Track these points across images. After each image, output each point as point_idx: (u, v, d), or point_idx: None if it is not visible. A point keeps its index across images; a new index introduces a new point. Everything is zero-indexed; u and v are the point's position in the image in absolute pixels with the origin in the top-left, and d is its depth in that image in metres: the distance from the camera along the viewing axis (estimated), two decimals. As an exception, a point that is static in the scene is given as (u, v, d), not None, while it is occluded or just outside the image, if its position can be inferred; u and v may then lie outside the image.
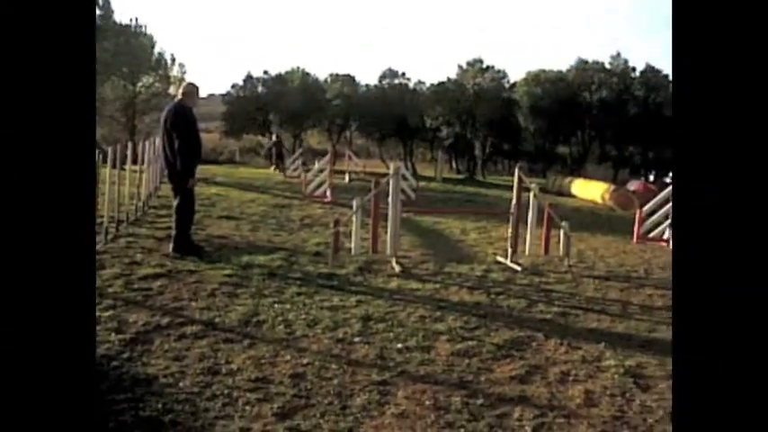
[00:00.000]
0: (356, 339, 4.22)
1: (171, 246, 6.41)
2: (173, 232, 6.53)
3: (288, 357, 3.83)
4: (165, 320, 4.33)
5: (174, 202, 6.56)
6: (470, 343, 4.30)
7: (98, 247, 6.31)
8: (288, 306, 4.85)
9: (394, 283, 5.82)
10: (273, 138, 22.91)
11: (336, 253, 6.42)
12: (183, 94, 6.56)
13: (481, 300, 5.46)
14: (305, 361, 3.79)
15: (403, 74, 32.29)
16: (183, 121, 6.31)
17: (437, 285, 5.86)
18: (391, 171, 6.80)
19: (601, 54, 38.15)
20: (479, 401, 3.38)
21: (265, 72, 33.76)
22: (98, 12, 29.23)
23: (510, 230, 7.19)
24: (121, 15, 33.26)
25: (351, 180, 18.22)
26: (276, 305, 4.85)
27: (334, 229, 6.37)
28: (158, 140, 8.26)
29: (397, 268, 6.36)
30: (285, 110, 30.73)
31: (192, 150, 6.33)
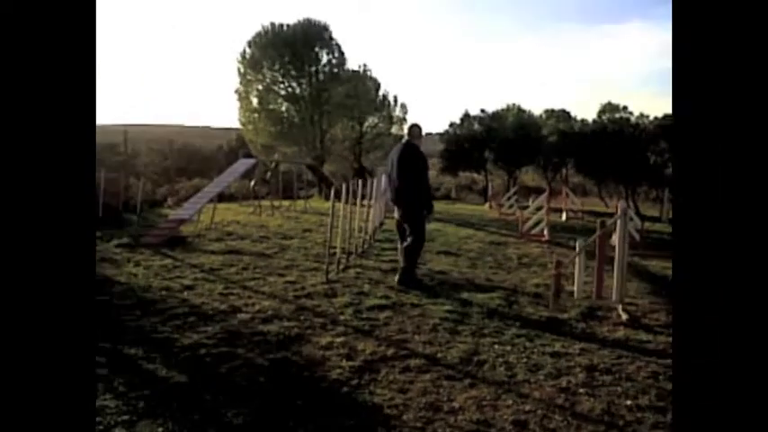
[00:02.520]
0: (581, 390, 4.00)
1: (397, 278, 6.74)
2: (400, 265, 6.85)
3: (509, 402, 3.75)
4: (391, 351, 4.53)
5: (403, 244, 6.85)
6: (714, 409, 3.83)
7: (331, 275, 6.86)
8: (508, 348, 4.78)
9: (621, 333, 5.43)
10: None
11: (557, 296, 6.20)
12: (411, 134, 6.94)
13: (725, 360, 4.85)
14: (527, 408, 3.68)
15: (624, 107, 30.73)
16: (416, 159, 6.70)
17: (670, 339, 5.35)
18: (618, 211, 6.43)
19: None
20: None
21: (482, 110, 34.46)
22: (334, 60, 32.44)
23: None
24: (352, 62, 36.33)
25: (568, 219, 17.58)
26: (496, 345, 4.81)
27: (555, 270, 6.18)
28: (384, 178, 8.80)
29: (624, 316, 5.94)
30: (500, 147, 30.90)
31: (425, 186, 6.69)
